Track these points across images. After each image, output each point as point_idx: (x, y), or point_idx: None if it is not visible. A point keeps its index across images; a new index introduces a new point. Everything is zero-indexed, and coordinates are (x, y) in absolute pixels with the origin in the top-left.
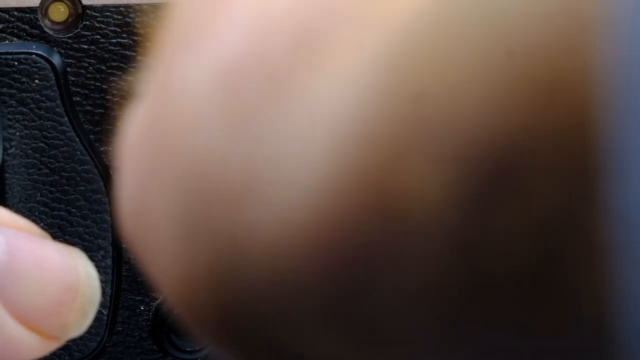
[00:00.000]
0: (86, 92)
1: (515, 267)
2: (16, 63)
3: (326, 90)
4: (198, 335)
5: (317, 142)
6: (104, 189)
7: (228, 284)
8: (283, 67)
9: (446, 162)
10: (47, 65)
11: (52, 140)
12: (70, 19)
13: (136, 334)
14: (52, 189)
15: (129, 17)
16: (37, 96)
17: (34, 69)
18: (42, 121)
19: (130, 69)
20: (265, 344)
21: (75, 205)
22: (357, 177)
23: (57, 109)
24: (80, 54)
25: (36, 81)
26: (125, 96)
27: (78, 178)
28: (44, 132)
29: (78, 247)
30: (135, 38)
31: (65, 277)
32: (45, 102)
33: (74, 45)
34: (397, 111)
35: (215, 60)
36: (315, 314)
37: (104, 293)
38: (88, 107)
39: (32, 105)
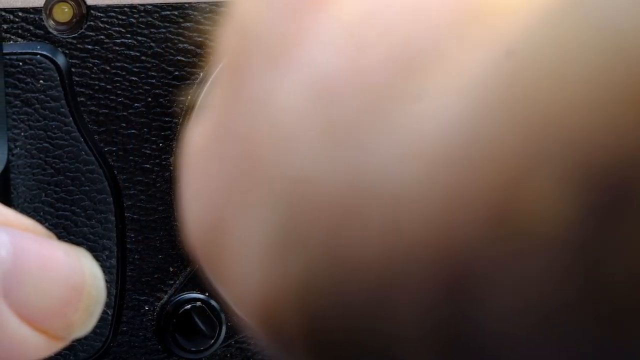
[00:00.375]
0: (91, 92)
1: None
2: (21, 63)
3: (435, 105)
4: (281, 352)
5: (427, 158)
6: (108, 189)
7: (324, 300)
8: (383, 81)
9: (569, 180)
10: (52, 66)
11: (57, 141)
12: (74, 19)
13: (141, 334)
14: (57, 189)
15: (134, 18)
16: (42, 96)
17: (38, 69)
18: (46, 121)
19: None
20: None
21: (80, 206)
22: (475, 195)
23: (61, 109)
24: (85, 54)
25: (41, 81)
26: (184, 108)
27: (83, 178)
28: (48, 133)
29: (83, 247)
30: (140, 38)
31: (70, 277)
32: (50, 103)
33: (79, 45)
34: (517, 129)
35: (309, 75)
36: (422, 331)
37: (108, 293)
38: (93, 108)
39: (37, 106)
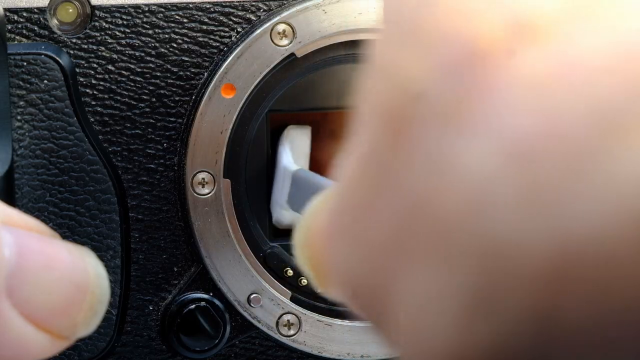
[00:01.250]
0: (95, 92)
1: None
2: (25, 63)
3: (635, 165)
4: None
5: (633, 218)
6: (112, 189)
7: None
8: (583, 142)
9: None
10: (56, 66)
11: (61, 141)
12: (78, 20)
13: (145, 334)
14: (61, 189)
15: (138, 18)
16: (46, 96)
17: (42, 69)
18: (51, 121)
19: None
20: None
21: (84, 205)
22: None
23: (66, 110)
24: (89, 55)
25: (45, 81)
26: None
27: (87, 178)
28: (53, 133)
29: (87, 247)
30: (144, 38)
31: (74, 277)
32: (54, 103)
33: (83, 45)
34: None
35: (501, 138)
36: None
37: (112, 293)
38: (97, 108)
39: (41, 106)
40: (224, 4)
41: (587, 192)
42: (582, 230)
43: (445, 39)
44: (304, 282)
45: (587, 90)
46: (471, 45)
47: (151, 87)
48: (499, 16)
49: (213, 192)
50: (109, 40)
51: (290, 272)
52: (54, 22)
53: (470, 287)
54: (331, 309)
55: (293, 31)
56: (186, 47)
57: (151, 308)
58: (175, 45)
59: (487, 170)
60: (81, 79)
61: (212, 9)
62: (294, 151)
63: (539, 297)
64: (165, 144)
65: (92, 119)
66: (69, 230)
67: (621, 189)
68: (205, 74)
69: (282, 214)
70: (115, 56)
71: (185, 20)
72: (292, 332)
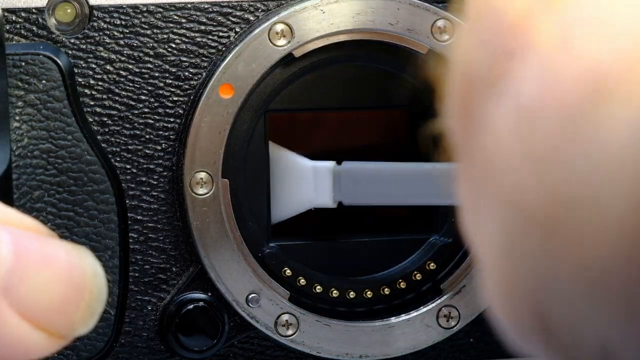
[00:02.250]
0: (93, 92)
1: None
2: (23, 64)
3: (622, 123)
4: (518, 338)
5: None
6: (111, 189)
7: (543, 296)
8: (576, 105)
9: None
10: (54, 66)
11: (60, 141)
12: (77, 20)
13: (144, 334)
14: (60, 189)
15: (136, 18)
16: (45, 97)
17: (41, 69)
18: (49, 122)
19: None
20: (572, 340)
21: (82, 206)
22: None
23: (64, 110)
24: (87, 55)
25: (43, 82)
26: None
27: (85, 178)
28: (51, 133)
29: (85, 247)
30: (142, 39)
31: (72, 275)
32: (53, 103)
33: (81, 45)
34: None
35: (516, 101)
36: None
37: (111, 293)
38: (95, 108)
39: (40, 106)
40: (222, 4)
41: (576, 151)
42: (573, 179)
43: (487, 17)
44: (302, 282)
45: (582, 56)
46: (503, 19)
47: (149, 88)
48: None
49: (211, 192)
50: (107, 41)
51: (288, 272)
52: (52, 22)
53: (505, 234)
54: (330, 309)
55: (291, 31)
56: (184, 47)
57: (149, 308)
58: (173, 45)
59: (506, 129)
60: (79, 79)
61: (210, 9)
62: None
63: (544, 238)
64: (163, 144)
65: (90, 119)
66: (67, 230)
67: (604, 148)
68: (204, 74)
69: (285, 212)
70: (113, 56)
71: (183, 21)
72: (290, 332)
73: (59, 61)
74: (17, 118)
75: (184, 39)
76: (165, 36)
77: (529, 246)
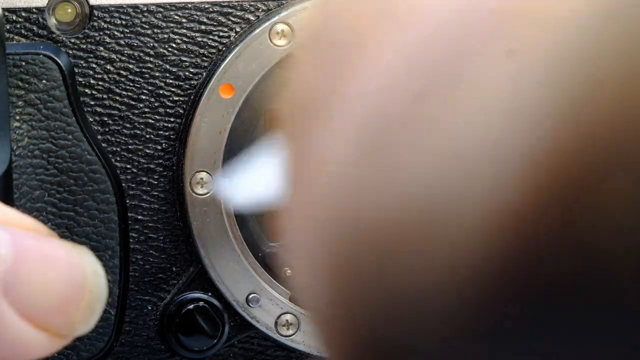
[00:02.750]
0: (94, 92)
1: None
2: (24, 63)
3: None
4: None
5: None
6: (111, 188)
7: (384, 334)
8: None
9: None
10: (55, 66)
11: (60, 141)
12: (77, 19)
13: (144, 333)
14: (60, 189)
15: (137, 18)
16: (45, 96)
17: (41, 69)
18: (49, 121)
19: (137, 70)
20: None
21: (82, 205)
22: (534, 227)
23: (64, 109)
24: (88, 54)
25: (44, 81)
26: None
27: (85, 178)
28: (51, 133)
29: (85, 246)
30: (142, 38)
31: (72, 275)
32: (53, 103)
33: (82, 45)
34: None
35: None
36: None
37: (111, 293)
38: (96, 108)
39: (40, 106)
40: (222, 3)
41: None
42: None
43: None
44: None
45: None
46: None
47: (150, 87)
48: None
49: (211, 192)
50: (108, 40)
51: (289, 272)
52: (52, 22)
53: (338, 265)
54: None
55: (292, 31)
56: (185, 47)
57: (150, 308)
58: (174, 45)
59: (339, 151)
60: (80, 79)
61: (210, 9)
62: None
63: (381, 272)
64: (164, 144)
65: (90, 119)
66: (67, 230)
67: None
68: (204, 73)
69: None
70: (114, 56)
71: (184, 20)
72: (291, 332)
73: (59, 61)
74: (18, 118)
75: (184, 38)
76: (165, 36)
77: (365, 276)
